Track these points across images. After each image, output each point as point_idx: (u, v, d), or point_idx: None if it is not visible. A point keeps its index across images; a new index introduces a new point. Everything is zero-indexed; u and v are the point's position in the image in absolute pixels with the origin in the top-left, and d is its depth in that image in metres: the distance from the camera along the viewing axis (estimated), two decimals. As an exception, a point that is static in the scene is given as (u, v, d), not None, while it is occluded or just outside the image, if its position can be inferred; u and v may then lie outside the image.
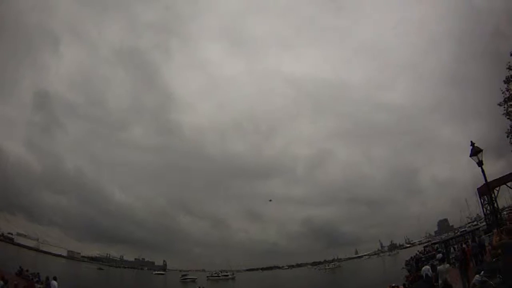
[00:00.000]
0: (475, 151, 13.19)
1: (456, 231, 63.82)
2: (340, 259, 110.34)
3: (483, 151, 13.41)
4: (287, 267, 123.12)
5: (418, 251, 38.52)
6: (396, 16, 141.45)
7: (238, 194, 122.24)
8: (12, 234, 65.00)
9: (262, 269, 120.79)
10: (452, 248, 27.39)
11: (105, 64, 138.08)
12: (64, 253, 62.92)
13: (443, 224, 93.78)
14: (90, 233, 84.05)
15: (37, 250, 55.60)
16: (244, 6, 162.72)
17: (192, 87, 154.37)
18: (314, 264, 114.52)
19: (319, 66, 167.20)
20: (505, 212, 30.29)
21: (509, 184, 26.88)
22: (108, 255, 75.85)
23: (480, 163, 13.15)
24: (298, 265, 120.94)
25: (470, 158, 13.70)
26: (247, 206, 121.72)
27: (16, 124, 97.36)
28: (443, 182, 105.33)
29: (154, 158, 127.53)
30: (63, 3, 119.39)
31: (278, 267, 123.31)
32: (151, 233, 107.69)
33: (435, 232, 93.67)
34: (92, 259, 70.30)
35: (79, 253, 67.22)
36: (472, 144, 13.46)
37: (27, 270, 28.46)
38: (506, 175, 26.84)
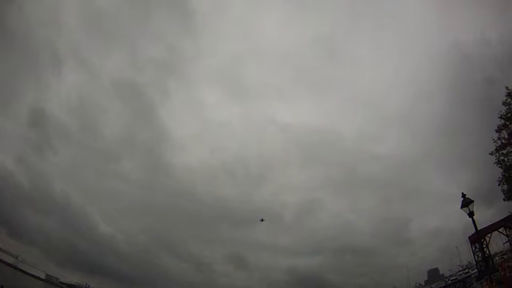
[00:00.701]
0: (466, 202, 13.87)
1: (446, 280, 62.97)
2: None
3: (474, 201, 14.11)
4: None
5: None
6: (389, 67, 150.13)
7: (224, 238, 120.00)
8: (-10, 247, 62.05)
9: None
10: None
11: (103, 94, 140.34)
12: (42, 276, 58.96)
13: (433, 273, 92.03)
14: (70, 260, 79.76)
15: (14, 267, 52.13)
16: (244, 53, 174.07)
17: (186, 127, 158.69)
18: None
19: (312, 115, 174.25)
20: (497, 258, 30.78)
21: (500, 230, 27.57)
22: (87, 285, 71.92)
23: (471, 214, 13.78)
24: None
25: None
26: (233, 251, 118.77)
27: (8, 136, 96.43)
28: (432, 230, 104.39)
29: (142, 194, 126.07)
30: (72, 28, 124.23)
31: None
32: (132, 268, 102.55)
33: (425, 281, 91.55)
34: (70, 287, 66.39)
35: (58, 278, 63.21)
36: (463, 195, 14.12)
37: (2, 286, 27.38)
38: (497, 222, 27.58)
